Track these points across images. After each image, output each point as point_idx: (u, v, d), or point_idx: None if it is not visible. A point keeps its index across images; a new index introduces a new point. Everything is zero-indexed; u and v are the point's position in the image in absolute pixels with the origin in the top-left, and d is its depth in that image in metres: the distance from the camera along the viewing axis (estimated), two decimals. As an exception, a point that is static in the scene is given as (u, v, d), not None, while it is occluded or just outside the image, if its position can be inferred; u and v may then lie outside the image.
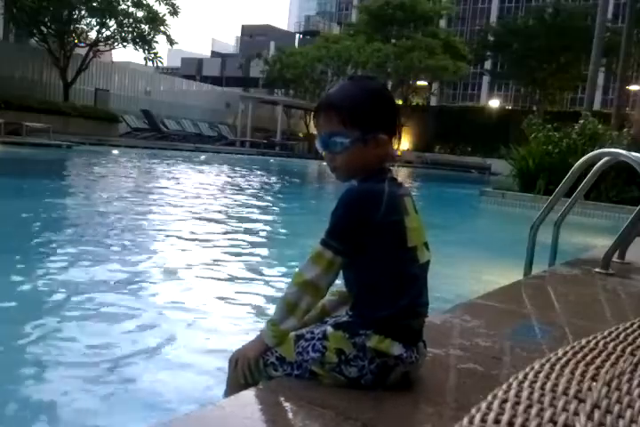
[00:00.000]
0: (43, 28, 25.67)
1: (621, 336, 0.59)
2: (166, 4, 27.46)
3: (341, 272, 1.45)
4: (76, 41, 27.03)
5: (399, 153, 35.11)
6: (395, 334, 1.38)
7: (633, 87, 31.55)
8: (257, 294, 3.59)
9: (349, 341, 1.37)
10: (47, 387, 2.16)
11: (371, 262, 1.40)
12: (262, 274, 4.14)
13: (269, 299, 3.38)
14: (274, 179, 15.84)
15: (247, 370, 1.43)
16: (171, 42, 28.28)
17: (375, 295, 1.40)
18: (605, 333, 0.59)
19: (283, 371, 1.42)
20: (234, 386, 1.45)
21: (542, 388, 0.46)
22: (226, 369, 1.52)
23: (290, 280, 1.44)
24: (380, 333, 1.37)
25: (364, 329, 1.37)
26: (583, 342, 0.56)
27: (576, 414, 0.43)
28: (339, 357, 1.37)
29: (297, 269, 1.43)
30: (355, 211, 1.39)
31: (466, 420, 0.40)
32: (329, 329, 1.41)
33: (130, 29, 27.10)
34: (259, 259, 4.75)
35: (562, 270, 3.45)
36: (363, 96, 1.44)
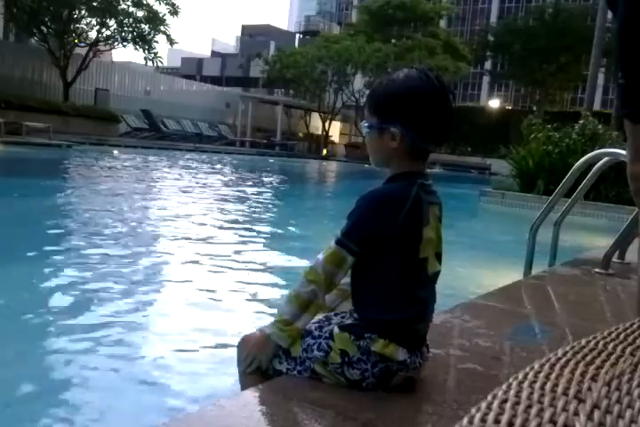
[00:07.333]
0: (43, 27, 25.66)
1: (621, 336, 0.59)
2: (166, 3, 27.47)
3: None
4: (76, 41, 27.03)
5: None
6: (400, 339, 1.37)
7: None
8: (256, 293, 3.59)
9: (354, 343, 1.36)
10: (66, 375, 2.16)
11: (380, 267, 1.38)
12: (261, 273, 4.14)
13: (269, 298, 3.38)
14: (273, 179, 15.81)
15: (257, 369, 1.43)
16: (171, 42, 28.30)
17: (381, 299, 1.38)
18: (605, 333, 0.59)
19: (287, 365, 1.41)
20: (248, 381, 1.43)
21: (542, 388, 0.46)
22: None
23: (301, 278, 1.39)
24: (385, 337, 1.35)
25: (369, 333, 1.36)
26: (583, 342, 0.56)
27: (576, 414, 0.43)
28: (342, 358, 1.36)
29: (309, 267, 1.39)
30: (374, 213, 1.35)
31: (466, 420, 0.40)
32: (335, 329, 1.39)
33: (130, 29, 27.10)
34: (258, 257, 4.75)
35: (562, 270, 3.45)
36: (394, 87, 1.38)
